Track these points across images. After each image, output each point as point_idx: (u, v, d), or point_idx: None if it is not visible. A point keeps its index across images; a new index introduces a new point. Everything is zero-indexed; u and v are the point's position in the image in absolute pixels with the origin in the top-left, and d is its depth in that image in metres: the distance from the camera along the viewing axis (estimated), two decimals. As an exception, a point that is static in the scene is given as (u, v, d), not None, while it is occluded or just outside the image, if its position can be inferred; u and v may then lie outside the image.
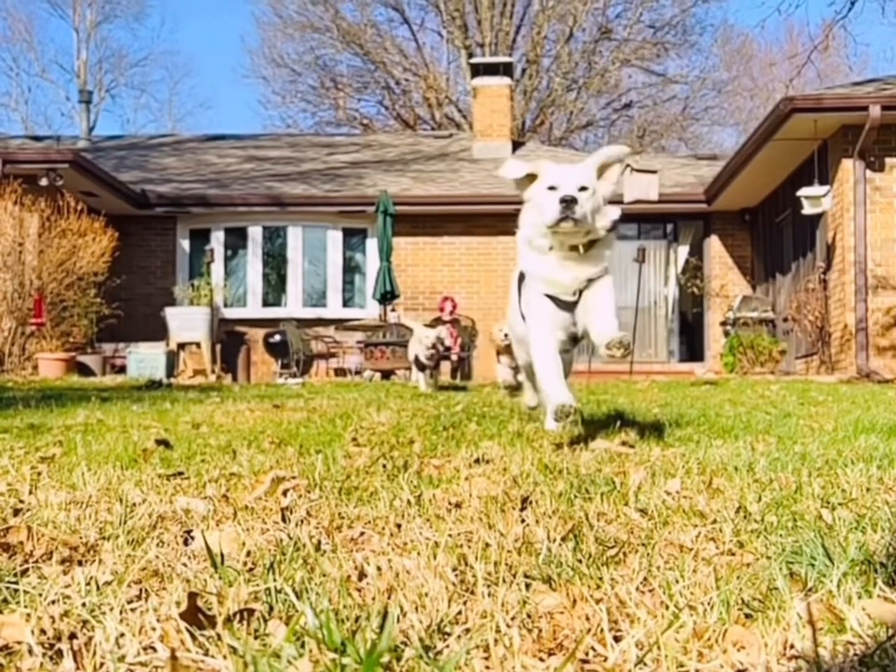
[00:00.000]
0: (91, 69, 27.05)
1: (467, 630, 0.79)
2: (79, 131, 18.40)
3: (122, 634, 0.74)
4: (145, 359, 9.84)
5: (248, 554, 1.03)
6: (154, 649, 0.72)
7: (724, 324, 11.41)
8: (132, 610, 0.82)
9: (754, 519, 1.24)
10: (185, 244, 12.03)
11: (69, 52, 33.76)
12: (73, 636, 0.75)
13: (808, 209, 8.42)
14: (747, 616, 0.78)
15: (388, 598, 0.88)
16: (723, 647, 0.69)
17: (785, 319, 10.33)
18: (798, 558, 0.97)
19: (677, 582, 0.89)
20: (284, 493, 1.43)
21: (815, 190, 8.40)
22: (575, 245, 2.30)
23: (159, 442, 2.34)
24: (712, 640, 0.70)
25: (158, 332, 10.69)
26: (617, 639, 0.72)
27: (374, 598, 0.87)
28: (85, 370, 9.53)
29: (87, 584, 0.90)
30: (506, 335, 4.65)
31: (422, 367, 6.19)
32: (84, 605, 0.83)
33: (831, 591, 0.84)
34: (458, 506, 1.39)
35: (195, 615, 0.74)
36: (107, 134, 19.68)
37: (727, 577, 0.90)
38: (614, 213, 2.38)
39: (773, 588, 0.87)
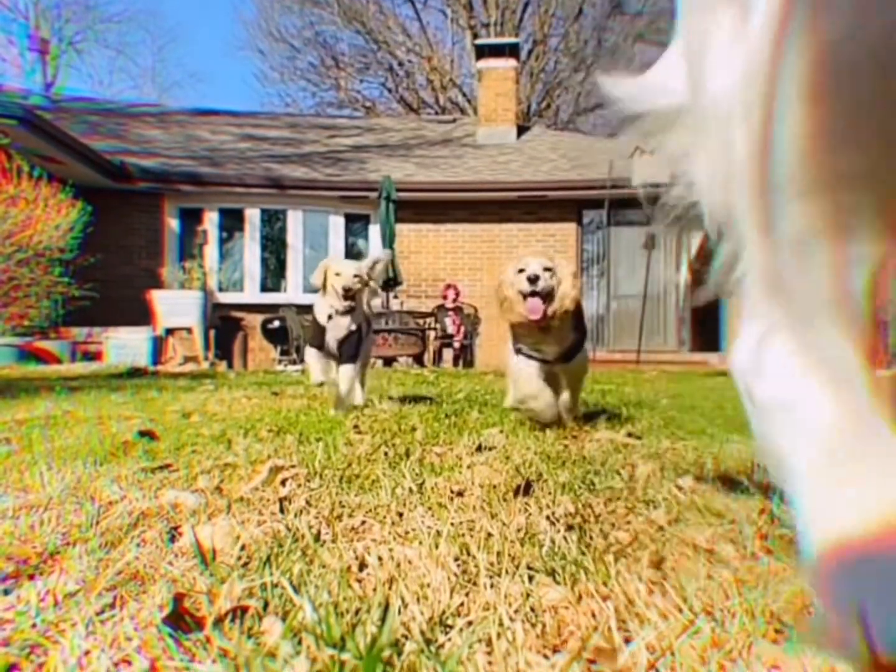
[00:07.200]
0: (46, 15, 23.61)
1: (469, 623, 0.77)
2: (30, 84, 16.40)
3: (88, 651, 0.68)
4: (126, 344, 9.15)
5: (243, 548, 1.00)
6: (129, 662, 0.66)
7: (748, 311, 11.03)
8: (103, 621, 0.76)
9: (786, 525, 1.11)
10: (174, 224, 11.25)
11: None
12: (12, 668, 0.67)
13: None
14: (777, 631, 0.71)
15: (390, 588, 0.86)
16: (747, 661, 0.64)
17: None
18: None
19: (691, 583, 0.83)
20: (283, 482, 1.41)
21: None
22: None
23: (143, 433, 2.18)
24: (734, 652, 0.66)
25: (141, 315, 9.97)
26: (626, 639, 0.69)
27: (374, 590, 0.86)
28: (47, 357, 8.64)
29: (42, 599, 0.82)
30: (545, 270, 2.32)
31: (319, 345, 3.16)
32: (35, 625, 0.75)
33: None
34: (460, 494, 1.38)
35: (181, 618, 0.70)
36: (73, 94, 16.77)
37: (751, 584, 0.83)
38: None
39: (811, 605, 0.77)
